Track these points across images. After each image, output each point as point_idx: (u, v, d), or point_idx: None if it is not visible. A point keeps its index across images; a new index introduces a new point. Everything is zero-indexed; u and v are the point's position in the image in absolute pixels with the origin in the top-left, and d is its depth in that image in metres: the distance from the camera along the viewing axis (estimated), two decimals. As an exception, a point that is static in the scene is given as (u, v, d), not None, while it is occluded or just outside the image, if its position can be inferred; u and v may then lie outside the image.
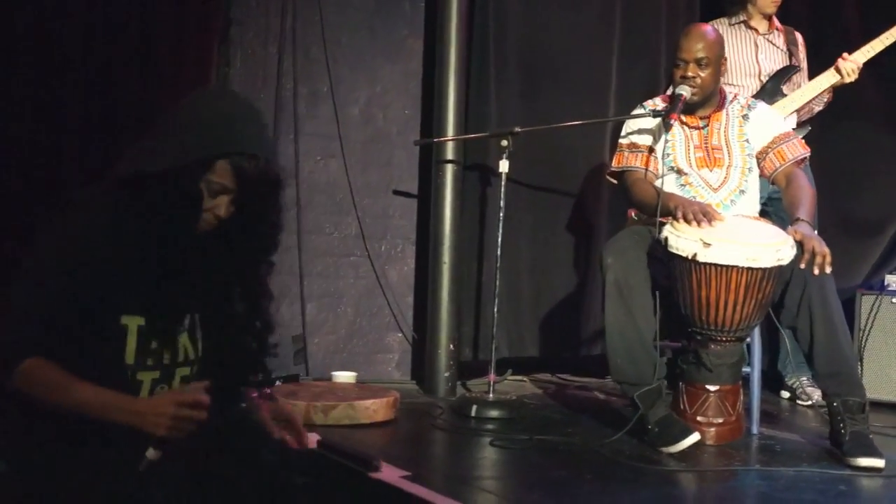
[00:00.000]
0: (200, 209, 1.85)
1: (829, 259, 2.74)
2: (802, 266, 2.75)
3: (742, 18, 4.02)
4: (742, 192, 3.19)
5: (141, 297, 1.84)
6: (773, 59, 3.99)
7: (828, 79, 3.87)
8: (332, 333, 4.01)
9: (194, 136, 1.83)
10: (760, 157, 3.22)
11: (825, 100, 3.96)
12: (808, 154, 3.26)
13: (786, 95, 3.91)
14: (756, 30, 4.01)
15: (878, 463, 2.77)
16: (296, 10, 3.86)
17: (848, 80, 3.83)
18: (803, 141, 3.35)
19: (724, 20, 4.04)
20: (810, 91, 3.91)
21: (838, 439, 2.89)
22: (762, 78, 3.96)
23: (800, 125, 3.96)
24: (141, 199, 1.81)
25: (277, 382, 3.50)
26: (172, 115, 1.91)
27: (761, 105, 3.33)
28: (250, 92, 3.75)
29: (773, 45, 4.02)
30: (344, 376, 3.70)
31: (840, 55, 3.84)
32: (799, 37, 4.08)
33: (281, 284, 3.85)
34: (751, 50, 3.98)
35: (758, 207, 3.26)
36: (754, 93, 3.90)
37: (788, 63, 3.98)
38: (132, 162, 1.85)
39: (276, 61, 3.82)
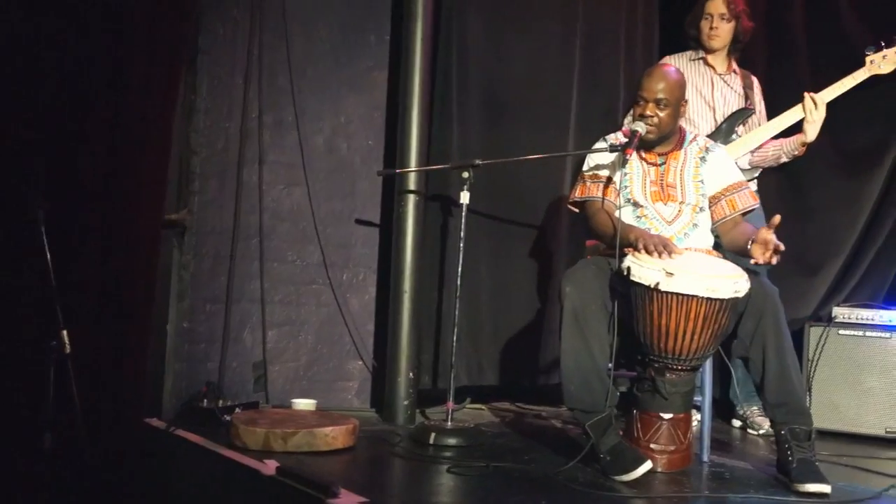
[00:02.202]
0: None
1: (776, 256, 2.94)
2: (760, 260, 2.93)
3: (701, 55, 4.11)
4: (695, 225, 3.28)
5: None
6: (728, 99, 4.07)
7: (793, 115, 3.89)
8: (292, 361, 4.02)
9: None
10: (713, 201, 3.30)
11: (796, 153, 3.92)
12: (757, 206, 3.37)
13: (739, 136, 3.98)
14: (714, 68, 4.10)
15: (825, 489, 2.85)
16: (262, 41, 3.90)
17: (811, 117, 3.81)
18: (754, 192, 3.42)
19: (686, 55, 4.15)
20: (770, 129, 3.93)
21: (786, 466, 2.97)
22: (717, 117, 4.04)
23: (752, 168, 4.02)
24: None
25: (237, 409, 3.52)
26: None
27: (719, 150, 3.39)
28: (216, 120, 3.79)
29: (729, 86, 4.09)
30: (303, 404, 3.71)
31: (799, 96, 3.85)
32: (755, 81, 4.15)
33: (242, 312, 3.88)
34: (707, 87, 4.08)
35: (711, 241, 3.35)
36: (709, 131, 4.00)
37: (744, 105, 4.05)
38: None
39: (242, 90, 3.86)
